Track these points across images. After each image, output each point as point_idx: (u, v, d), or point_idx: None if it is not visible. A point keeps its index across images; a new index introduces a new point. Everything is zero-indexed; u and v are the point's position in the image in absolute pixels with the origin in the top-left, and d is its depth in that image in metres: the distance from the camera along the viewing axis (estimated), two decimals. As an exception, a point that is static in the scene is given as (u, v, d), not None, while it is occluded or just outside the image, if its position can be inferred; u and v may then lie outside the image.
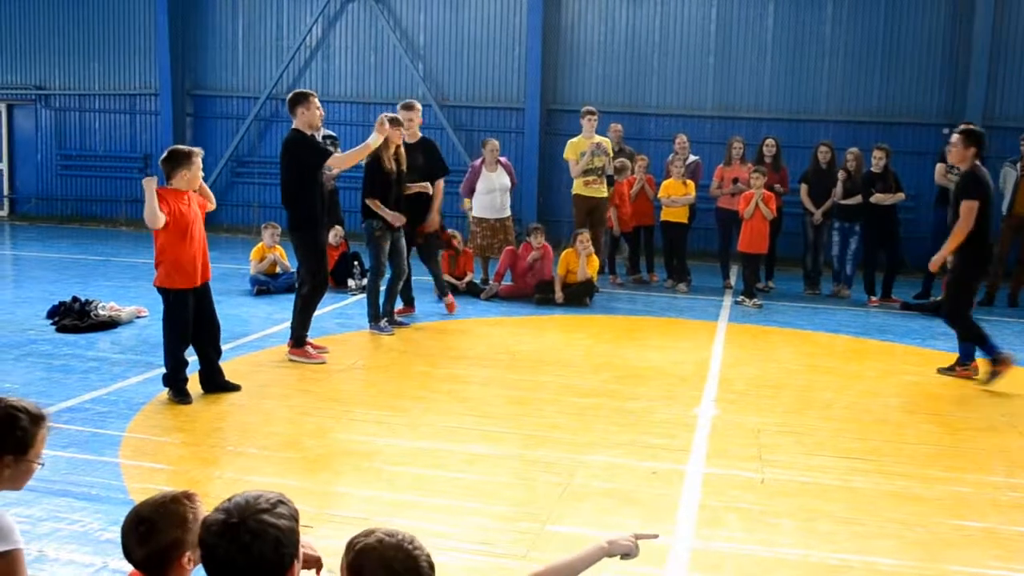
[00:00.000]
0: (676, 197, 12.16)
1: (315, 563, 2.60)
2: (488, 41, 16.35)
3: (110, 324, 8.79)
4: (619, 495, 5.05)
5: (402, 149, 8.96)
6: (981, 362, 7.84)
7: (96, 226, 17.43)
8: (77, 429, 5.81)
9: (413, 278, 9.86)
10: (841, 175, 11.78)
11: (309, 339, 7.96)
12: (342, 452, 5.61)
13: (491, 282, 11.29)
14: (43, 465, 2.81)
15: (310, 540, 2.60)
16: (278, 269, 11.18)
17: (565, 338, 9.14)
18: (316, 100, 7.74)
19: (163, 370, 6.64)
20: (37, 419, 2.79)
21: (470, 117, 16.62)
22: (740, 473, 5.43)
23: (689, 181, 12.27)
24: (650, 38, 15.72)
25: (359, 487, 5.04)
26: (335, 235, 11.40)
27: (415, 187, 9.25)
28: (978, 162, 7.87)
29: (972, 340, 7.89)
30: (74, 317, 8.74)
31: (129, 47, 17.85)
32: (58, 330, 8.58)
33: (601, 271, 11.89)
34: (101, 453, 5.39)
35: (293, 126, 7.71)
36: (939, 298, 11.04)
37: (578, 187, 11.76)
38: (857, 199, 11.62)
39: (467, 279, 11.29)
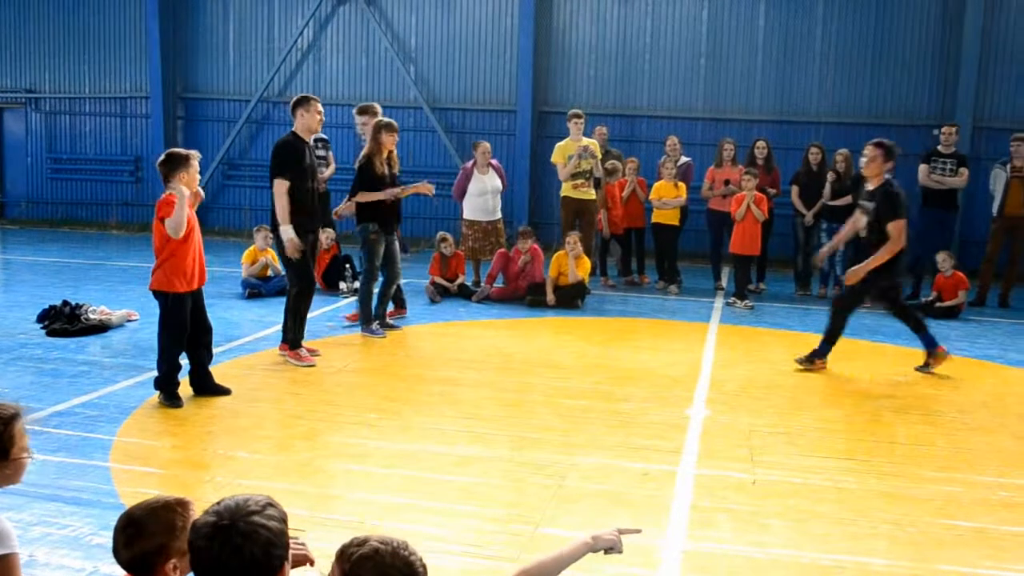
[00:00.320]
0: (667, 199, 12.17)
1: (303, 560, 2.59)
2: (479, 43, 16.35)
3: (100, 328, 8.77)
4: (611, 496, 5.04)
5: (395, 153, 8.96)
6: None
7: (86, 230, 17.39)
8: (67, 433, 5.79)
9: (404, 281, 9.85)
10: (830, 176, 11.82)
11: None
12: (333, 455, 5.60)
13: (483, 285, 11.29)
14: (33, 456, 2.82)
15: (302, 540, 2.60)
16: (270, 272, 11.16)
17: (556, 340, 9.14)
18: (317, 105, 7.78)
19: (154, 374, 6.62)
20: (8, 420, 2.79)
21: (461, 119, 16.62)
22: (732, 474, 5.44)
23: (680, 183, 12.28)
24: (641, 40, 15.74)
25: (351, 490, 5.03)
26: (326, 238, 11.37)
27: (412, 188, 9.26)
28: (888, 175, 8.06)
29: (833, 333, 8.15)
30: (64, 321, 8.70)
31: (120, 50, 17.81)
32: (48, 334, 8.55)
33: (592, 273, 11.90)
34: (91, 457, 5.37)
35: (293, 128, 7.78)
36: (929, 298, 11.11)
37: (566, 190, 11.80)
38: (846, 200, 11.64)
39: (459, 281, 11.29)
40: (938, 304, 10.90)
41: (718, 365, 8.23)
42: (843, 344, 9.32)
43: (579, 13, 15.93)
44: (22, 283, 11.53)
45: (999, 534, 4.68)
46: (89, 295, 10.01)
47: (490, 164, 11.50)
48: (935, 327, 10.17)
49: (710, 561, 4.29)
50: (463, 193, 11.53)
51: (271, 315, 9.59)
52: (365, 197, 8.64)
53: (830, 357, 8.19)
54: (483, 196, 11.40)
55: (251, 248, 11.28)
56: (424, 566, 2.23)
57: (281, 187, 7.57)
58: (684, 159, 12.72)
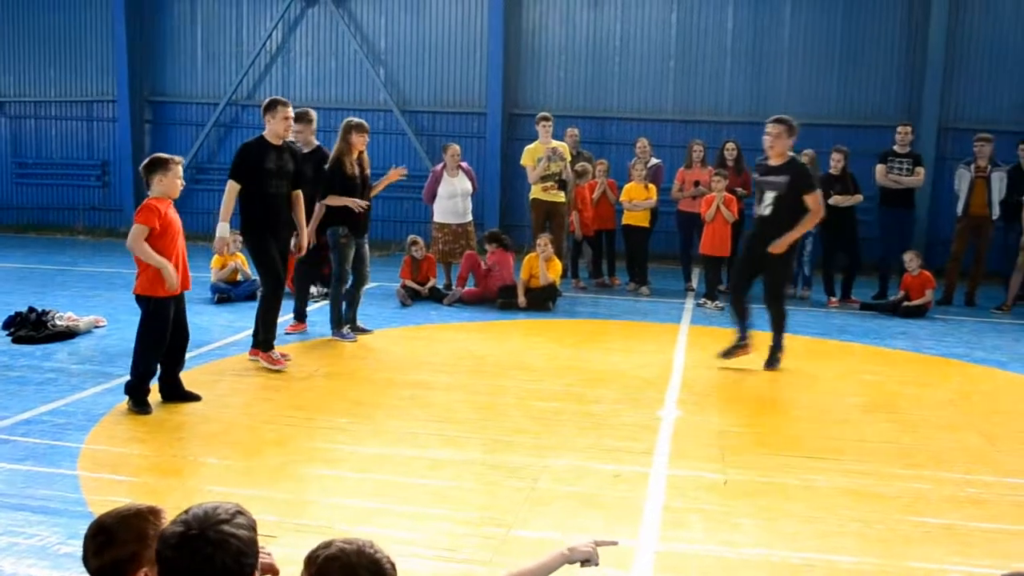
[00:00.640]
0: (637, 201, 12.21)
1: (269, 569, 2.58)
2: (449, 46, 16.34)
3: (67, 334, 8.67)
4: (583, 498, 5.05)
5: (365, 155, 8.93)
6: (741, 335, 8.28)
7: (53, 235, 17.20)
8: (34, 442, 5.72)
9: (374, 284, 9.81)
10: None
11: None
12: (305, 460, 5.57)
13: (454, 288, 11.29)
14: None
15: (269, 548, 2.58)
16: (239, 277, 11.08)
17: (528, 342, 9.15)
18: (286, 111, 7.75)
19: (123, 380, 6.56)
20: None
21: (431, 122, 16.59)
22: (703, 474, 5.46)
23: (651, 185, 12.34)
24: (611, 42, 15.79)
25: (323, 495, 5.01)
26: (295, 243, 11.31)
27: (382, 183, 9.28)
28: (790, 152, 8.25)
29: (781, 325, 8.27)
30: (30, 328, 8.60)
31: (86, 53, 17.63)
32: (14, 341, 8.44)
33: (564, 275, 11.93)
34: (59, 465, 5.31)
35: (263, 133, 7.80)
36: (896, 297, 11.22)
37: (536, 192, 11.82)
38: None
39: (430, 284, 11.27)
40: (905, 303, 11.02)
41: (689, 366, 8.27)
42: (812, 343, 9.42)
43: (548, 15, 15.96)
44: (-13, 289, 11.38)
45: (966, 530, 4.74)
46: (55, 301, 9.90)
47: (460, 167, 11.50)
48: (903, 326, 10.33)
49: (682, 561, 4.31)
50: (433, 196, 11.51)
51: (240, 320, 9.54)
52: (334, 201, 8.61)
53: (803, 356, 8.25)
54: (452, 199, 11.40)
55: (220, 252, 11.20)
56: (392, 563, 2.25)
57: (229, 188, 7.66)
58: (654, 161, 12.78)
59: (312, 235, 8.68)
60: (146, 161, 6.45)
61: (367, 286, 9.33)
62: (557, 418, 6.53)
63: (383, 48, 16.60)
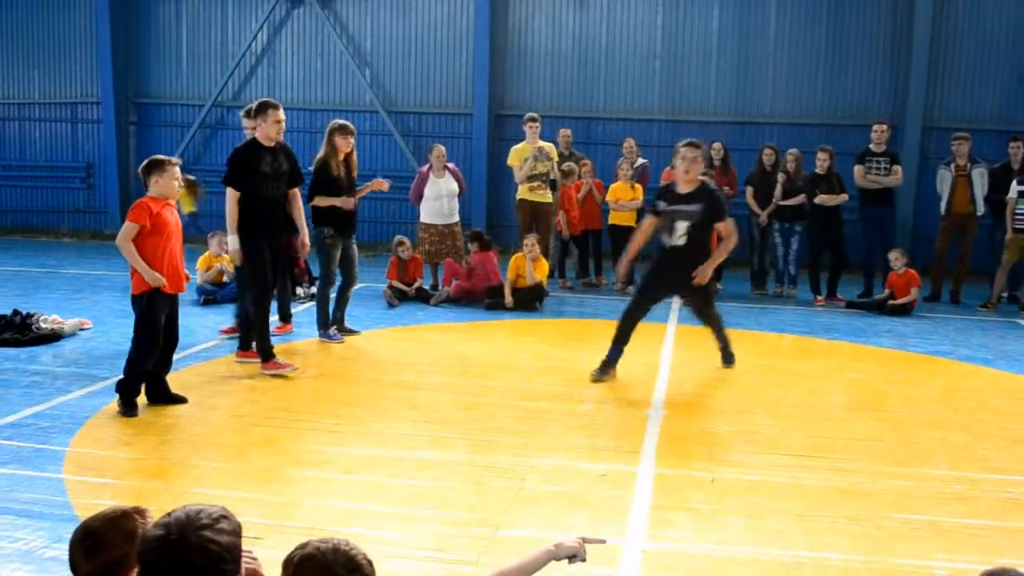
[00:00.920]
0: (623, 201, 12.23)
1: (254, 574, 2.56)
2: (435, 47, 16.33)
3: (52, 337, 8.62)
4: (570, 498, 5.05)
5: (354, 157, 8.90)
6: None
7: (37, 237, 17.09)
8: (19, 445, 5.68)
9: (361, 285, 9.79)
10: (780, 177, 11.96)
11: (247, 350, 7.96)
12: (292, 462, 5.56)
13: (440, 288, 11.28)
14: None
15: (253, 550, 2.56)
16: (225, 278, 11.04)
17: (515, 343, 9.15)
18: (277, 113, 7.67)
19: (109, 382, 6.52)
20: None
21: (418, 123, 16.58)
22: (690, 473, 5.47)
23: (637, 184, 12.36)
24: (597, 42, 15.80)
25: (310, 497, 4.99)
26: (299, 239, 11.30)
27: (365, 189, 9.24)
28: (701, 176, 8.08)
29: (720, 326, 8.17)
30: (15, 331, 8.54)
31: (70, 54, 17.55)
32: (-1, 344, 8.40)
33: (550, 275, 11.93)
34: (44, 469, 5.28)
35: (254, 135, 7.75)
36: (882, 296, 11.27)
37: (523, 192, 11.83)
38: (798, 199, 11.80)
39: (416, 285, 11.26)
40: (891, 302, 11.06)
41: (676, 365, 8.28)
42: (799, 342, 9.46)
43: (534, 16, 15.96)
44: (-29, 292, 11.31)
45: (952, 526, 4.76)
46: (40, 304, 9.84)
47: (446, 167, 11.49)
48: (888, 324, 10.37)
49: (670, 560, 4.32)
50: (420, 196, 11.50)
51: (226, 322, 9.49)
52: (321, 202, 8.59)
53: (790, 355, 8.29)
54: (438, 199, 11.39)
55: (205, 254, 11.16)
56: (368, 560, 2.25)
57: (230, 196, 7.54)
58: (641, 161, 12.80)
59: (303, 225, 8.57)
60: (144, 163, 6.48)
61: (356, 287, 9.31)
62: (544, 418, 6.53)
63: (369, 49, 16.58)
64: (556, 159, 12.02)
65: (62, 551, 2.50)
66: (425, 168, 11.61)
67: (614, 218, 12.37)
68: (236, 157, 7.65)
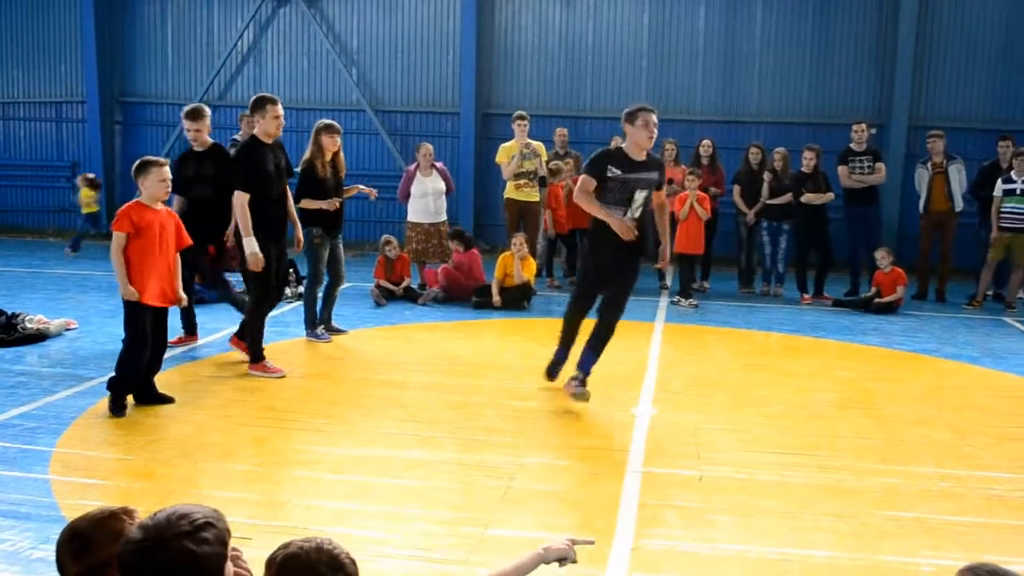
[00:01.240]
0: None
1: None
2: (422, 45, 16.32)
3: (38, 337, 8.58)
4: (559, 497, 5.06)
5: (341, 157, 8.88)
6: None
7: (22, 237, 17.00)
8: (5, 445, 5.65)
9: (349, 284, 9.76)
10: (767, 176, 12.00)
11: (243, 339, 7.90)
12: (280, 462, 5.55)
13: (427, 288, 11.27)
14: None
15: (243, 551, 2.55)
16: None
17: (503, 342, 9.15)
18: (275, 109, 7.55)
19: (95, 383, 6.49)
20: None
21: (405, 122, 16.57)
22: (679, 471, 5.48)
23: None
24: (584, 41, 15.83)
25: (298, 496, 4.98)
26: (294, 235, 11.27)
27: (354, 189, 9.23)
28: None
29: (607, 342, 7.05)
30: (0, 331, 8.50)
31: (54, 53, 17.47)
32: (-16, 344, 8.35)
33: (538, 274, 11.93)
34: (30, 470, 5.26)
35: (253, 132, 7.65)
36: (868, 294, 11.32)
37: (510, 191, 11.84)
38: (785, 198, 11.84)
39: (404, 284, 11.24)
40: (877, 300, 11.11)
41: (664, 364, 8.30)
42: (786, 340, 9.49)
43: (521, 15, 15.97)
44: (-44, 293, 11.25)
45: (938, 523, 4.78)
46: (26, 304, 9.79)
47: (434, 166, 11.48)
48: (875, 322, 10.41)
49: (659, 558, 4.33)
50: (407, 195, 11.50)
51: (215, 321, 9.47)
52: (308, 204, 8.55)
53: (777, 353, 8.31)
54: (424, 198, 11.38)
55: (193, 254, 11.11)
56: (351, 559, 2.23)
57: (241, 199, 7.35)
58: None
59: (231, 237, 8.35)
60: (134, 165, 6.44)
61: (343, 286, 9.29)
62: (533, 417, 6.53)
63: (355, 48, 16.55)
64: (544, 157, 12.03)
65: (49, 552, 2.49)
66: (412, 167, 11.59)
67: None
68: (245, 157, 7.47)
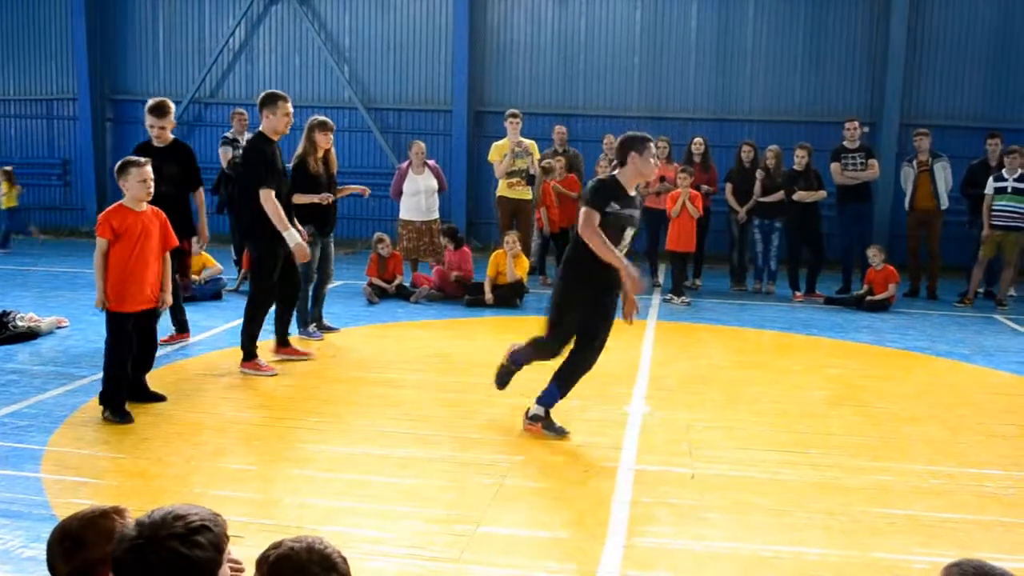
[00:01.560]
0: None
1: None
2: (414, 43, 16.30)
3: (29, 335, 8.55)
4: (552, 495, 5.06)
5: (333, 154, 8.86)
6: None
7: (14, 235, 16.91)
8: (-4, 444, 5.64)
9: (341, 282, 9.75)
10: (759, 174, 12.02)
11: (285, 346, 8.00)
12: (272, 460, 5.54)
13: (420, 286, 11.27)
14: None
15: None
16: (204, 275, 10.98)
17: (496, 339, 9.12)
18: (286, 106, 7.49)
19: (87, 380, 6.45)
20: None
21: (397, 119, 16.55)
22: (671, 469, 5.49)
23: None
24: (576, 39, 15.82)
25: (291, 494, 4.97)
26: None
27: (345, 191, 9.20)
28: None
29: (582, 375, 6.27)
30: (-9, 329, 8.48)
31: (45, 50, 17.40)
32: (-25, 343, 8.32)
33: (531, 272, 11.93)
34: (21, 468, 5.24)
35: (259, 128, 7.58)
36: (860, 292, 11.34)
37: (502, 189, 11.85)
38: (777, 196, 11.86)
39: (396, 282, 11.23)
40: (869, 297, 11.13)
41: (656, 361, 8.30)
42: (778, 338, 9.50)
43: (513, 12, 15.96)
44: (-54, 291, 11.21)
45: (930, 520, 4.80)
46: (16, 302, 9.76)
47: (426, 164, 11.47)
48: (867, 320, 10.43)
49: (651, 556, 4.33)
50: (399, 193, 11.50)
51: (205, 319, 9.45)
52: (300, 199, 8.54)
53: (769, 351, 8.30)
54: (416, 196, 11.37)
55: (185, 251, 11.09)
56: (343, 558, 2.23)
57: (269, 195, 7.29)
58: (620, 158, 12.79)
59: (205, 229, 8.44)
60: (116, 166, 6.31)
61: (331, 284, 9.27)
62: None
63: (347, 45, 16.52)
64: (536, 156, 12.02)
65: (40, 551, 2.48)
66: (405, 164, 11.58)
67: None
68: (259, 156, 7.38)
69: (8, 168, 15.11)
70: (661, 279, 12.55)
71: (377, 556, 4.14)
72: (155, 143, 8.10)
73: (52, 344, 8.45)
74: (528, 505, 4.90)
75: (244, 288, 11.17)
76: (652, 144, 6.08)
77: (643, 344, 8.97)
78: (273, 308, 7.85)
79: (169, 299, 6.63)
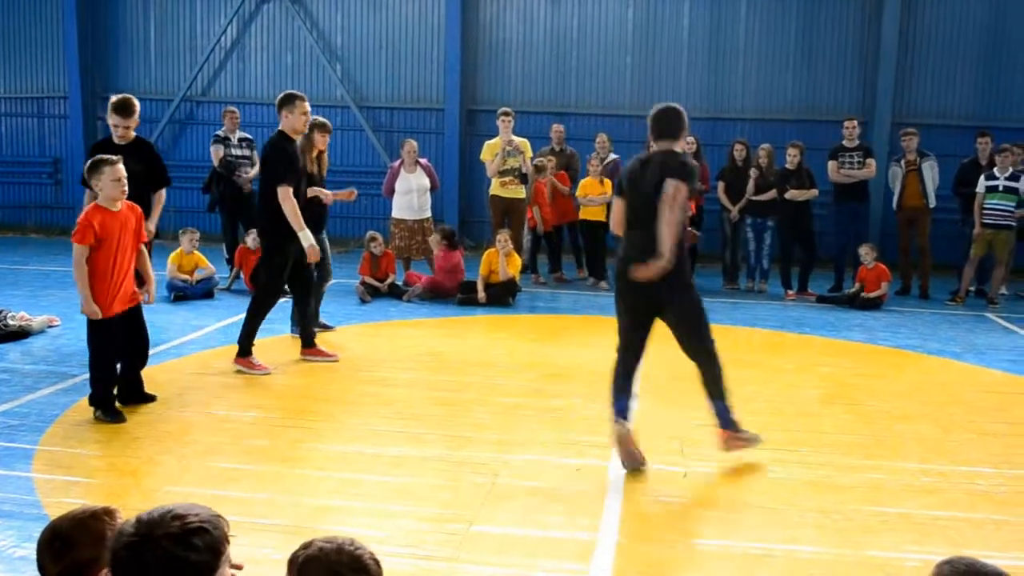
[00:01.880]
0: (592, 196, 12.26)
1: None
2: (406, 41, 16.27)
3: (20, 334, 8.52)
4: (544, 493, 5.06)
5: (326, 156, 8.85)
6: None
7: (4, 234, 16.88)
8: (-13, 443, 5.62)
9: (334, 281, 9.73)
10: (752, 172, 12.04)
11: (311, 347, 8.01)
12: (265, 458, 5.52)
13: (412, 285, 11.26)
14: None
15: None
16: (196, 275, 10.93)
17: (489, 338, 9.14)
18: (304, 105, 7.50)
19: (78, 379, 6.42)
20: None
21: (389, 118, 16.51)
22: (663, 467, 5.49)
23: (607, 180, 12.37)
24: (569, 37, 15.81)
25: (283, 493, 4.96)
26: (253, 239, 11.25)
27: (339, 195, 9.18)
28: None
29: None
30: (-18, 328, 8.45)
31: (36, 48, 17.32)
32: (-35, 342, 8.29)
33: (523, 270, 11.93)
34: (12, 467, 5.22)
35: (279, 127, 7.58)
36: (852, 290, 11.37)
37: (495, 188, 11.85)
38: (770, 195, 11.88)
39: (389, 281, 11.22)
40: (863, 295, 11.16)
41: (648, 359, 8.28)
42: (770, 336, 9.51)
43: (506, 10, 15.94)
44: (-64, 289, 11.16)
45: (923, 519, 4.81)
46: (7, 301, 9.73)
47: (418, 163, 11.46)
48: (859, 318, 10.46)
49: (643, 554, 4.33)
50: (392, 191, 11.50)
51: (197, 318, 9.44)
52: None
53: (762, 349, 8.30)
54: (408, 195, 11.37)
55: (177, 251, 11.07)
56: (375, 559, 2.19)
57: (287, 193, 7.31)
58: (612, 156, 12.82)
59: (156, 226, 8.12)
60: (87, 165, 6.10)
61: (330, 282, 9.26)
62: (518, 413, 6.53)
63: (339, 43, 16.49)
64: (528, 154, 12.02)
65: (31, 550, 2.47)
66: (397, 163, 11.58)
67: (584, 213, 12.40)
68: (282, 153, 7.38)
69: None
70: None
71: (370, 555, 4.13)
72: (116, 141, 7.77)
73: (43, 343, 8.43)
74: (521, 503, 4.90)
75: (236, 287, 11.21)
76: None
77: (636, 343, 8.96)
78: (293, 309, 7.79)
79: (153, 291, 6.57)
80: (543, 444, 5.88)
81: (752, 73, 15.42)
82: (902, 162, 12.15)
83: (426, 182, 11.46)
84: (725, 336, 9.18)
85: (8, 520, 4.47)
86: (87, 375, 6.40)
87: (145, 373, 6.72)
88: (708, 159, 13.09)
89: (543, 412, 6.58)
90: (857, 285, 11.36)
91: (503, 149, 11.63)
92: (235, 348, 7.66)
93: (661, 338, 9.11)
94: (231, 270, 11.56)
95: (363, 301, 10.78)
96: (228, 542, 2.05)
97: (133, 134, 7.97)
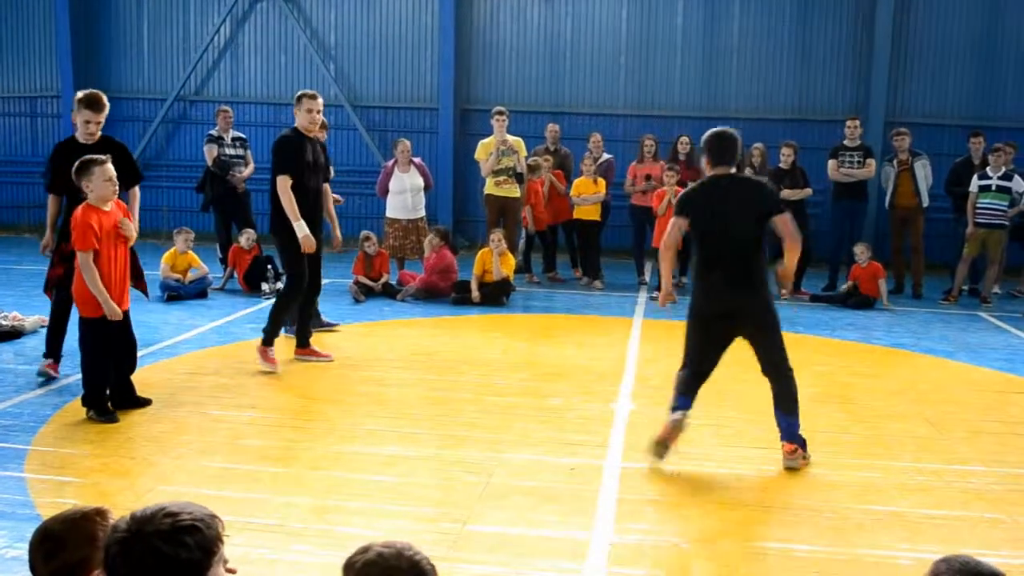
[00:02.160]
0: (586, 195, 12.27)
1: None
2: (400, 40, 16.25)
3: (13, 334, 8.50)
4: (538, 492, 5.06)
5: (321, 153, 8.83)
6: None
7: (-3, 233, 16.87)
8: (-21, 443, 5.60)
9: (327, 280, 9.70)
10: (747, 172, 12.03)
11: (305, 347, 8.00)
12: (258, 458, 5.52)
13: (406, 284, 11.25)
14: None
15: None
16: (190, 275, 10.91)
17: (483, 337, 9.14)
18: (310, 103, 7.63)
19: (70, 380, 6.41)
20: None
21: (383, 117, 16.50)
22: (657, 466, 5.49)
23: (600, 179, 12.38)
24: (562, 37, 15.81)
25: (276, 493, 4.95)
26: (247, 239, 11.24)
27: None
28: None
29: None
30: (-26, 328, 8.43)
31: (28, 47, 17.27)
32: (-43, 342, 8.26)
33: (517, 270, 11.93)
34: (5, 468, 5.21)
35: (295, 124, 7.74)
36: (846, 288, 11.38)
37: (490, 187, 11.83)
38: (765, 194, 11.88)
39: (383, 280, 11.21)
40: (864, 294, 11.17)
41: (643, 359, 8.31)
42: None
43: (500, 10, 15.93)
44: (-71, 289, 11.13)
45: (916, 517, 4.82)
46: (0, 301, 9.70)
47: (412, 162, 11.46)
48: (852, 317, 10.47)
49: (637, 553, 4.33)
50: (386, 191, 11.49)
51: (191, 318, 9.42)
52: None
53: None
54: (402, 194, 11.36)
55: (171, 250, 11.04)
56: (432, 565, 2.17)
57: (284, 183, 7.46)
58: (606, 156, 12.82)
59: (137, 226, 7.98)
60: (74, 167, 6.00)
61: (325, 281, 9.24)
62: (512, 412, 6.52)
63: (333, 43, 16.47)
64: (523, 153, 12.02)
65: (24, 551, 2.46)
66: (391, 163, 11.57)
67: (578, 212, 12.40)
68: (285, 144, 7.58)
69: None
70: (647, 277, 12.56)
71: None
72: (81, 140, 7.05)
73: (36, 343, 8.38)
74: (515, 503, 4.90)
75: (230, 287, 11.19)
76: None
77: (629, 342, 8.98)
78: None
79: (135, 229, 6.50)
80: (537, 443, 5.87)
81: (746, 73, 15.43)
82: (894, 162, 12.19)
83: (420, 182, 11.45)
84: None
85: (0, 520, 4.46)
86: (80, 376, 6.39)
87: (138, 373, 6.71)
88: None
89: (537, 411, 6.58)
90: (850, 283, 11.37)
91: (497, 148, 11.62)
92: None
93: (657, 339, 9.13)
94: (225, 270, 11.54)
95: (357, 301, 10.77)
96: (222, 542, 2.04)
97: (99, 133, 7.48)
